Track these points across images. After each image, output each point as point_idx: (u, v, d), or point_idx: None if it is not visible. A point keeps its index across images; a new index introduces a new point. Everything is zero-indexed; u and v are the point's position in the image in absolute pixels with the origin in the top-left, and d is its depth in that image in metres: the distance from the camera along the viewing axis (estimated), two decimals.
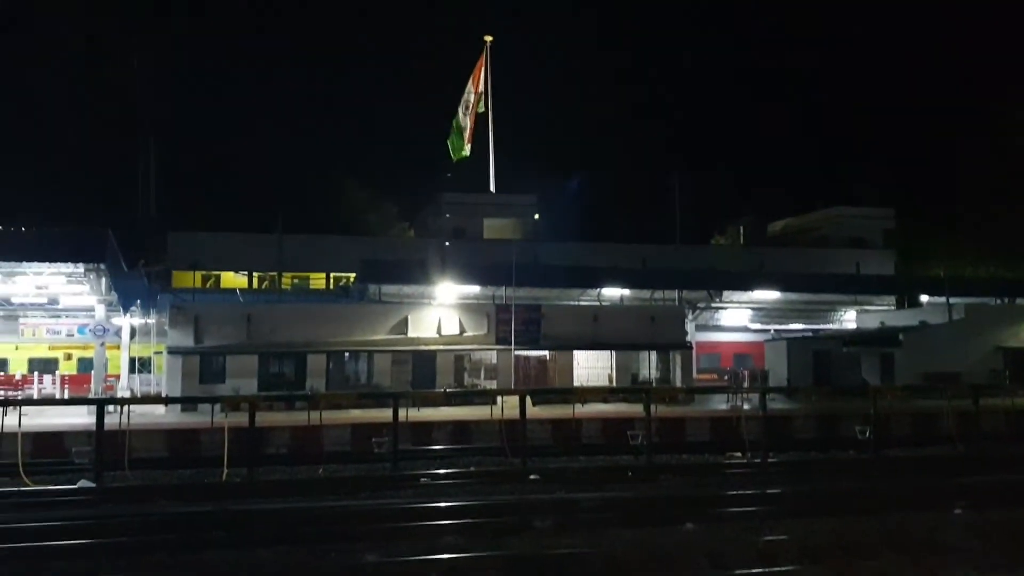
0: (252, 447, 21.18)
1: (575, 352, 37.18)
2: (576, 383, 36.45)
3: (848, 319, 47.46)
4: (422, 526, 15.03)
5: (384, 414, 23.89)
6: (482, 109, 52.37)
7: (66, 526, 14.83)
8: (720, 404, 33.42)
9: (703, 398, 35.17)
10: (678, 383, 37.35)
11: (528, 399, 24.79)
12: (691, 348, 39.08)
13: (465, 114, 52.05)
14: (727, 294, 43.28)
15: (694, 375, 39.48)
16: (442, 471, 21.33)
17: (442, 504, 16.56)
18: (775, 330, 46.38)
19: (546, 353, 37.41)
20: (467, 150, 51.18)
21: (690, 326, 41.59)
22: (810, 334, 45.63)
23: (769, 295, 43.17)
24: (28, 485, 19.58)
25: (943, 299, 41.95)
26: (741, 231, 60.41)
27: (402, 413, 23.40)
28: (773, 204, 63.02)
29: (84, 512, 16.76)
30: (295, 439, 25.43)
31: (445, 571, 12.12)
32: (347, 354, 35.30)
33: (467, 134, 51.45)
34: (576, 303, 41.35)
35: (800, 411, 31.21)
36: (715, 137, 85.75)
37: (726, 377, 40.75)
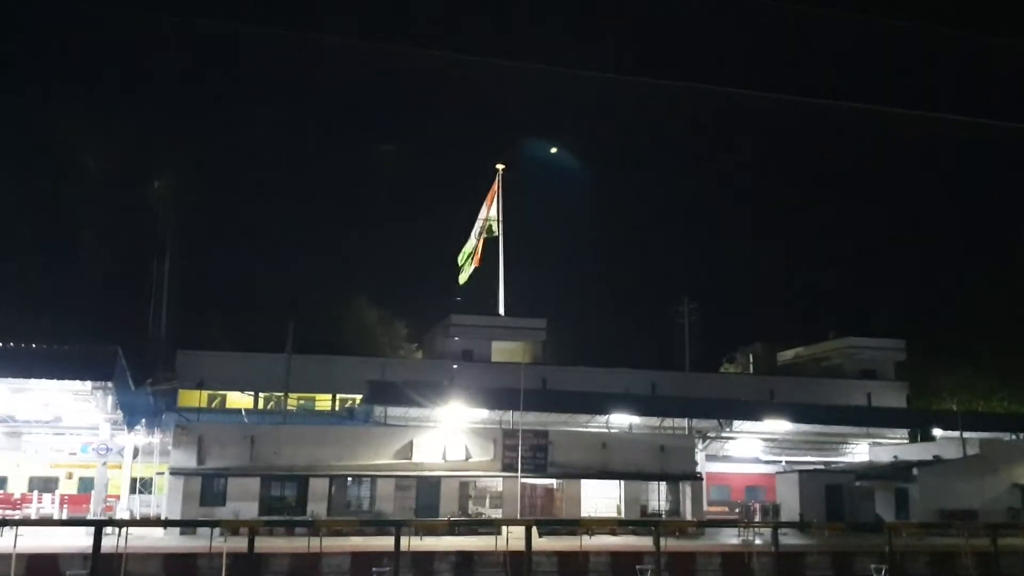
0: (250, 574, 20.82)
1: (583, 481, 36.75)
2: (584, 513, 35.88)
3: (860, 452, 46.92)
4: None
5: (386, 542, 23.58)
6: (494, 233, 53.62)
7: None
8: (731, 538, 32.74)
9: (714, 531, 34.49)
10: (688, 515, 36.72)
11: (534, 530, 24.47)
12: (701, 479, 38.60)
13: (477, 238, 53.36)
14: (737, 424, 43.00)
15: (704, 507, 38.84)
16: None
17: None
18: (786, 462, 45.80)
19: (553, 482, 36.98)
20: (468, 272, 52.20)
21: (700, 456, 41.16)
22: (822, 467, 45.05)
23: (780, 426, 42.87)
24: None
25: (957, 433, 41.57)
26: (751, 359, 60.50)
27: (404, 541, 23.09)
28: (783, 332, 63.35)
29: None
30: (294, 566, 24.99)
31: None
32: (350, 478, 34.98)
33: (475, 257, 52.50)
34: (585, 429, 41.13)
35: (813, 547, 30.55)
36: (725, 263, 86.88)
37: (737, 510, 40.05)
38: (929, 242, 79.97)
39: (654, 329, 67.03)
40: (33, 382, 29.97)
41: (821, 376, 55.22)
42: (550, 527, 30.96)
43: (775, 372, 57.88)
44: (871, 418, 45.57)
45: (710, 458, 44.19)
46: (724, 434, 43.69)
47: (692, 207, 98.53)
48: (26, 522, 26.69)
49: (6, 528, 24.04)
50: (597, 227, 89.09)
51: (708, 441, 43.25)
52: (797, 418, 42.42)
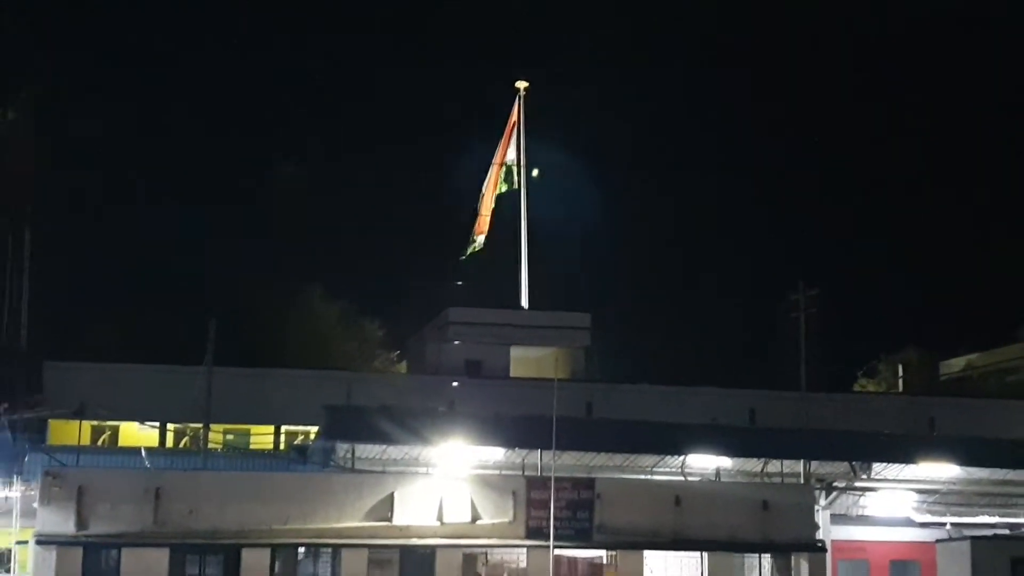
0: None
1: (646, 553, 36.92)
2: None
3: None
4: None
5: None
6: (514, 186, 53.37)
7: None
8: None
9: None
10: None
11: None
12: (825, 550, 38.67)
13: (488, 192, 53.13)
14: (879, 468, 42.95)
15: None
16: None
17: None
18: (952, 524, 45.75)
19: (602, 554, 37.19)
20: (480, 243, 52.19)
21: (823, 516, 41.23)
22: (1006, 531, 44.96)
23: (944, 470, 42.79)
24: None
25: None
26: (900, 371, 60.41)
27: None
28: (949, 333, 63.20)
29: None
30: None
31: None
32: (301, 550, 35.34)
33: (483, 221, 52.30)
34: (650, 477, 41.26)
35: None
36: (858, 239, 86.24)
37: None
38: None
39: (753, 332, 67.06)
40: None
41: (1006, 396, 55.05)
42: None
43: (937, 391, 57.77)
44: None
45: (838, 519, 44.19)
46: (859, 483, 43.69)
47: (808, 159, 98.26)
48: None
49: None
50: (665, 190, 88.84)
51: (835, 494, 43.25)
52: (970, 459, 42.29)
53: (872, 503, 45.62)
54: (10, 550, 38.91)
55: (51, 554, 33.31)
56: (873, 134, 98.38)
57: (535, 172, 52.63)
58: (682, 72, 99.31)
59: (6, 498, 38.36)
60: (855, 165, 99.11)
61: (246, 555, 34.43)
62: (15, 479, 37.96)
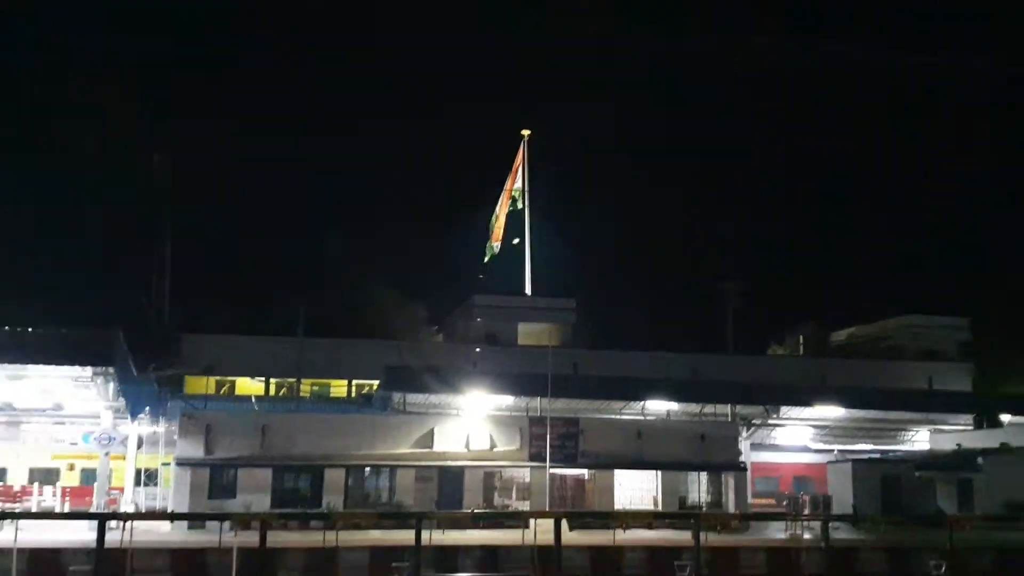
0: (263, 570, 21.23)
1: (616, 472, 36.93)
2: (617, 506, 36.10)
3: (920, 440, 46.71)
4: None
5: (406, 536, 23.91)
6: (519, 206, 53.65)
7: None
8: (778, 532, 32.83)
9: (759, 525, 34.62)
10: (731, 508, 36.81)
11: (564, 523, 24.69)
12: (745, 469, 38.61)
13: (500, 212, 53.43)
14: (785, 410, 42.95)
15: (749, 499, 38.90)
16: None
17: None
18: (839, 451, 45.71)
19: (584, 472, 37.20)
20: (495, 248, 52.31)
21: (745, 445, 41.22)
22: (878, 456, 44.91)
23: (832, 411, 42.77)
24: None
25: None
26: (801, 341, 60.25)
27: (425, 535, 23.39)
28: (836, 312, 62.94)
29: None
30: (309, 562, 25.45)
31: None
32: (367, 469, 35.44)
33: (497, 232, 52.59)
34: (619, 417, 41.30)
35: (867, 542, 30.57)
36: (773, 240, 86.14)
37: (784, 503, 40.08)
38: (999, 213, 79.06)
39: (695, 310, 66.98)
40: (31, 368, 30.67)
41: (879, 358, 54.91)
42: (581, 520, 31.20)
43: (828, 354, 57.62)
44: (933, 402, 45.21)
45: (756, 447, 44.25)
46: (771, 421, 43.69)
47: (736, 177, 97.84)
48: (27, 515, 27.40)
49: (7, 522, 24.69)
50: (631, 200, 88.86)
51: (753, 429, 43.29)
52: (851, 403, 42.30)
53: (780, 436, 45.70)
54: (156, 470, 39.14)
55: (186, 472, 33.45)
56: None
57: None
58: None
59: (154, 432, 38.60)
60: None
61: (328, 473, 34.57)
62: (160, 419, 38.19)
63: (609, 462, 36.56)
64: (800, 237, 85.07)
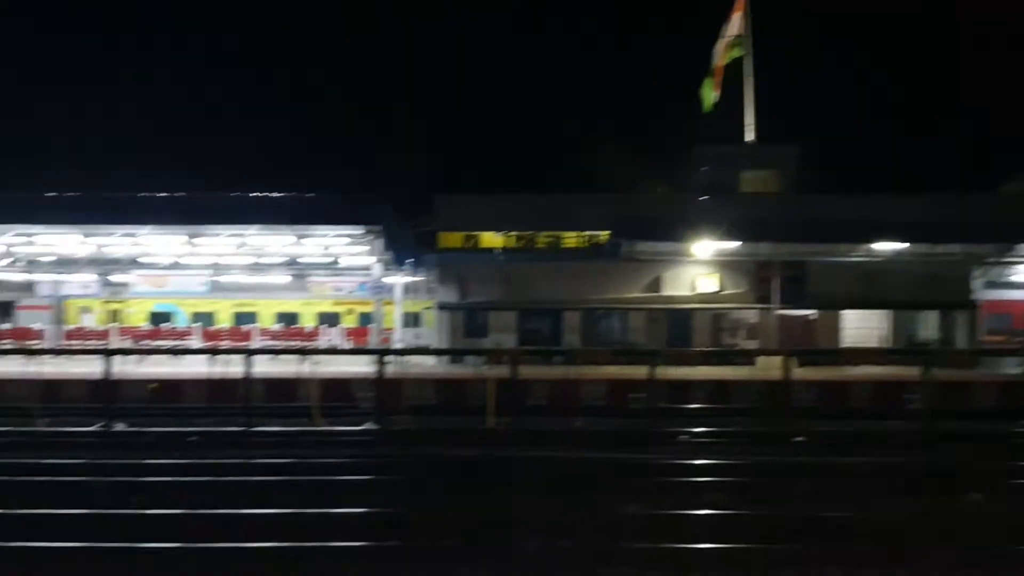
0: (515, 398, 22.17)
1: (844, 312, 35.32)
2: (844, 345, 34.69)
3: None
4: (682, 482, 15.13)
5: (639, 371, 24.11)
6: (741, 52, 50.32)
7: (354, 463, 16.47)
8: (1011, 368, 30.42)
9: (991, 362, 32.24)
10: (962, 345, 34.44)
11: (792, 360, 23.96)
12: (977, 307, 35.78)
13: (719, 58, 50.32)
14: (1020, 247, 39.02)
15: (981, 337, 36.19)
16: (700, 429, 21.21)
17: (701, 462, 16.56)
18: None
19: (811, 312, 35.83)
20: (713, 98, 49.53)
21: (976, 284, 38.06)
22: None
23: None
24: (322, 426, 21.82)
25: None
26: None
27: (656, 371, 23.48)
28: None
29: (368, 452, 18.46)
30: (554, 392, 26.40)
31: (707, 527, 12.17)
32: (601, 312, 35.89)
33: (716, 80, 49.71)
34: (845, 259, 39.14)
35: None
36: (1004, 75, 76.74)
37: (1018, 339, 37.02)
38: None
39: (923, 149, 61.60)
40: (315, 229, 33.13)
41: None
42: (808, 357, 30.27)
43: None
44: None
45: (988, 285, 40.78)
46: (1004, 259, 39.92)
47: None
48: (321, 351, 30.00)
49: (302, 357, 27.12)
50: (858, 35, 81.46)
51: (986, 267, 39.77)
52: None
53: (1013, 274, 41.86)
54: (419, 314, 41.55)
55: (446, 315, 35.33)
56: None
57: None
58: None
59: (415, 281, 40.76)
60: None
61: (565, 315, 35.38)
62: (420, 270, 40.23)
63: (836, 302, 35.02)
64: None
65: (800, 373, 26.72)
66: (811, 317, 36.11)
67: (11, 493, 13.91)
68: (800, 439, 20.09)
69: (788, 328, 35.66)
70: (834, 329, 35.45)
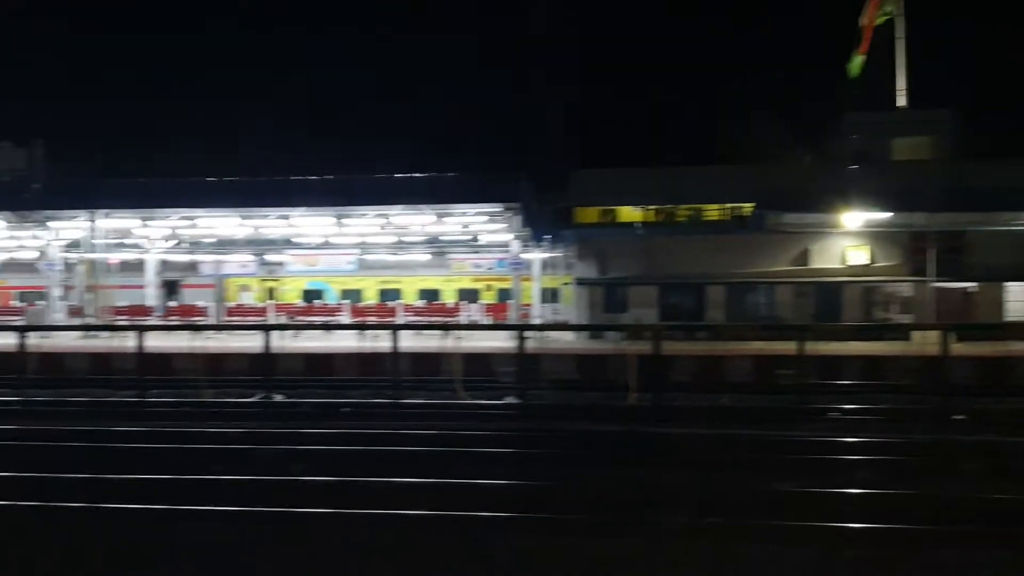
0: (657, 374, 21.90)
1: (1006, 284, 33.08)
2: (1008, 319, 32.51)
3: None
4: (834, 460, 14.61)
5: (786, 346, 23.35)
6: (890, 12, 47.47)
7: (498, 436, 16.72)
8: None
9: None
10: None
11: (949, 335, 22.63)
12: None
13: (867, 19, 47.72)
14: None
15: None
16: (852, 406, 20.37)
17: (854, 439, 15.92)
18: None
19: (971, 285, 33.72)
20: (859, 63, 46.96)
21: None
22: None
23: None
24: (465, 399, 22.25)
25: None
26: None
27: (805, 346, 22.66)
28: None
29: (511, 425, 18.69)
30: (698, 367, 25.94)
31: (862, 507, 11.69)
32: (746, 285, 34.94)
33: (863, 45, 47.12)
34: (1008, 228, 36.59)
35: None
36: None
37: None
38: None
39: None
40: (455, 207, 33.74)
41: None
42: (967, 331, 28.52)
43: None
44: None
45: None
46: None
47: None
48: (463, 326, 30.61)
49: (448, 332, 27.71)
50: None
51: None
52: None
53: None
54: (557, 289, 41.66)
55: (585, 290, 35.29)
56: None
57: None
58: None
59: (553, 257, 40.85)
60: None
61: (708, 289, 34.68)
62: (557, 245, 40.29)
63: (998, 274, 32.82)
64: None
65: (958, 349, 25.20)
66: (970, 290, 33.98)
67: (187, 461, 14.90)
68: (960, 417, 19.00)
69: (946, 301, 33.70)
70: (997, 302, 33.24)
